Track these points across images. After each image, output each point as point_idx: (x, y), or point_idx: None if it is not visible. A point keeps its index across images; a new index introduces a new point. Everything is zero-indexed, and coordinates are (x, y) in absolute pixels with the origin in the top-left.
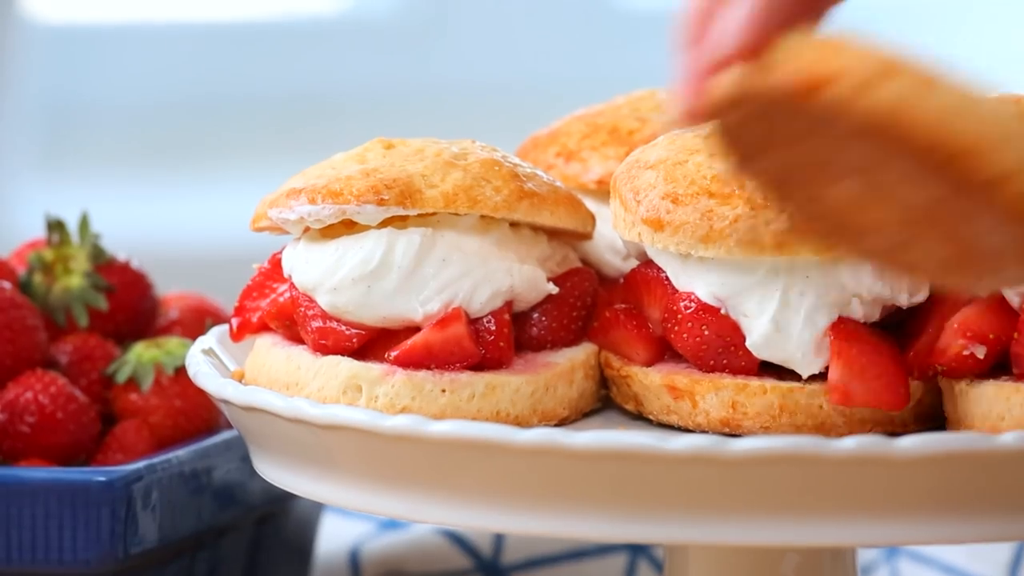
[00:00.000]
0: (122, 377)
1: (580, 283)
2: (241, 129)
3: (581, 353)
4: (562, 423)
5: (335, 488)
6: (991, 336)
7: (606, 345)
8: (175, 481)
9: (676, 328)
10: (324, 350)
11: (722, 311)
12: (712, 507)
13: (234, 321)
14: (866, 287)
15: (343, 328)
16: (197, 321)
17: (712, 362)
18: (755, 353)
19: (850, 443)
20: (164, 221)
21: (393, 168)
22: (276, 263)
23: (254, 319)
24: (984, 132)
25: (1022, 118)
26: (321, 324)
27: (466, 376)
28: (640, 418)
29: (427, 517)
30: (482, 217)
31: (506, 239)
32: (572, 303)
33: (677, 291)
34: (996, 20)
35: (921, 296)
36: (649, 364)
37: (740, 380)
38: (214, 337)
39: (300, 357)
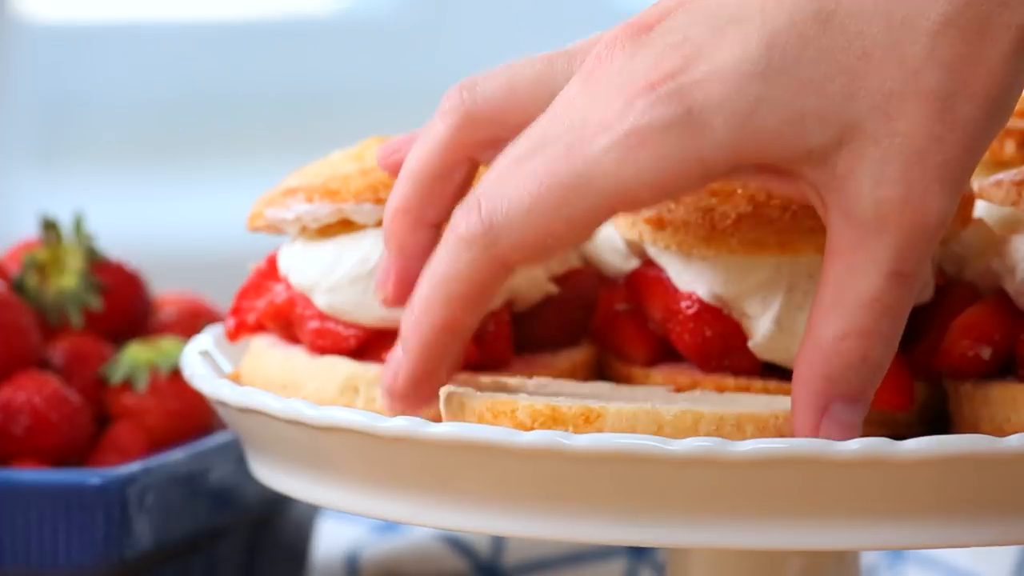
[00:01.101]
0: (117, 378)
1: (580, 283)
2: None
3: (581, 353)
4: None
5: (332, 491)
6: (997, 337)
7: (607, 345)
8: (170, 483)
9: (677, 328)
10: (321, 350)
11: (724, 311)
12: (714, 510)
13: (230, 321)
14: None
15: (340, 328)
16: (193, 322)
17: (714, 363)
18: (758, 354)
19: (853, 445)
20: (160, 220)
21: None
22: (273, 263)
23: (250, 319)
24: None
25: None
26: (318, 324)
27: (465, 377)
28: None
29: (425, 520)
30: None
31: None
32: (572, 303)
33: (678, 291)
34: None
35: (926, 296)
36: (650, 365)
37: (742, 381)
38: (210, 338)
39: (297, 358)
